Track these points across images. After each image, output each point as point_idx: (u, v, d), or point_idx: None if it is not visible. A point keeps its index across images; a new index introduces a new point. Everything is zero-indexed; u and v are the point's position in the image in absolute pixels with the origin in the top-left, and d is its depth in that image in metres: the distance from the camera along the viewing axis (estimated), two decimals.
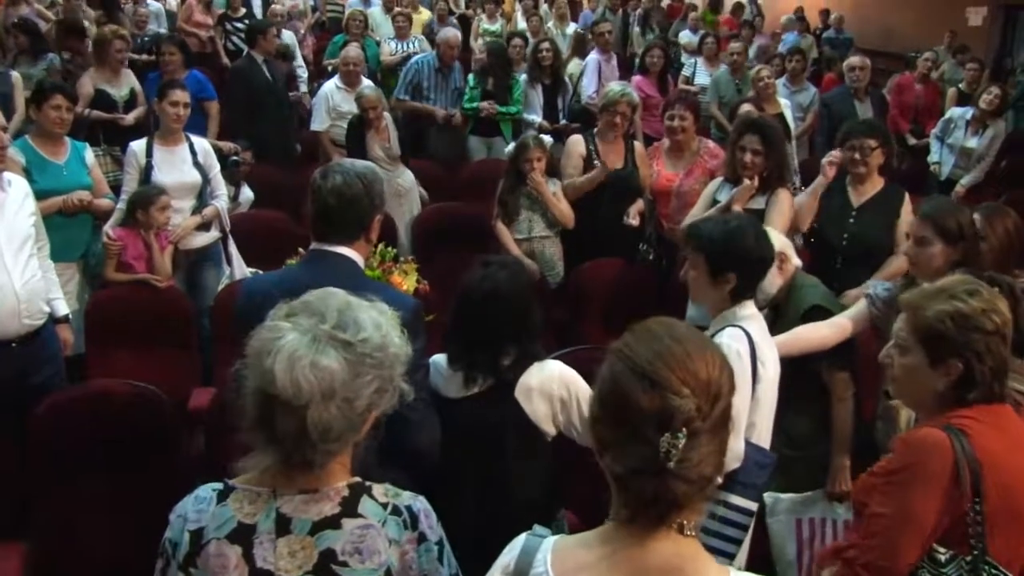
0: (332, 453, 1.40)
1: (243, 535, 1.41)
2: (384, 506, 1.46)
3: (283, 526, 1.41)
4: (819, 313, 2.82)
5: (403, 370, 1.44)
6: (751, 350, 2.36)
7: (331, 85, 6.23)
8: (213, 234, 4.48)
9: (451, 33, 6.62)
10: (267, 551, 1.40)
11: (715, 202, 3.79)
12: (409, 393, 1.47)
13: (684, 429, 1.15)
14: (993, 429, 1.74)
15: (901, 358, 1.86)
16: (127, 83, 5.88)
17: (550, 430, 2.35)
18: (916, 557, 1.71)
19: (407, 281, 3.40)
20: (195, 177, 4.33)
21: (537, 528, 1.33)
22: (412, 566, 1.45)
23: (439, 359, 2.38)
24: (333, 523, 1.42)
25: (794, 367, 2.63)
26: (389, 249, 3.57)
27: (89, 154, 4.24)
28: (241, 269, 4.58)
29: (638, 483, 1.17)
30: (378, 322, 1.42)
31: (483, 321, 2.30)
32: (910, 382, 1.87)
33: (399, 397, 1.45)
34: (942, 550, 1.71)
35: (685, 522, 1.20)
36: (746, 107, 4.94)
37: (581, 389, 2.33)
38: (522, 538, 1.32)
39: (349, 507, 1.43)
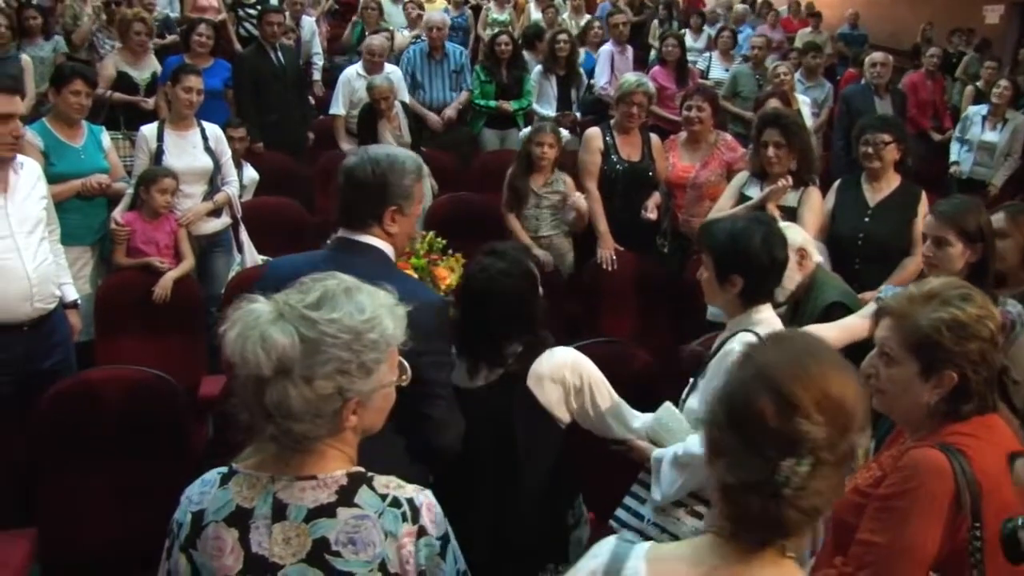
0: (299, 433, 1.34)
1: (240, 519, 1.39)
2: (383, 497, 1.41)
3: (279, 512, 1.38)
4: (839, 310, 2.76)
5: (382, 357, 1.38)
6: None
7: (352, 71, 6.14)
8: (224, 220, 4.45)
9: (437, 16, 6.54)
10: (263, 536, 1.38)
11: (743, 197, 3.73)
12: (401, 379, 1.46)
13: (810, 457, 1.09)
14: (990, 446, 1.64)
15: (888, 369, 1.72)
16: (149, 67, 5.87)
17: (564, 416, 2.33)
18: None
19: (452, 277, 3.24)
20: (206, 162, 4.31)
21: (625, 533, 1.28)
22: (409, 560, 1.39)
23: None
24: (328, 511, 1.38)
25: None
26: (439, 240, 3.42)
27: (105, 137, 4.21)
28: (252, 256, 4.55)
29: (746, 499, 1.11)
30: (363, 306, 1.37)
31: (481, 312, 2.29)
32: (899, 395, 1.72)
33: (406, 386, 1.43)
34: None
35: (787, 543, 1.15)
36: (773, 102, 4.87)
37: (594, 375, 2.32)
38: (611, 542, 1.26)
39: (346, 496, 1.40)
